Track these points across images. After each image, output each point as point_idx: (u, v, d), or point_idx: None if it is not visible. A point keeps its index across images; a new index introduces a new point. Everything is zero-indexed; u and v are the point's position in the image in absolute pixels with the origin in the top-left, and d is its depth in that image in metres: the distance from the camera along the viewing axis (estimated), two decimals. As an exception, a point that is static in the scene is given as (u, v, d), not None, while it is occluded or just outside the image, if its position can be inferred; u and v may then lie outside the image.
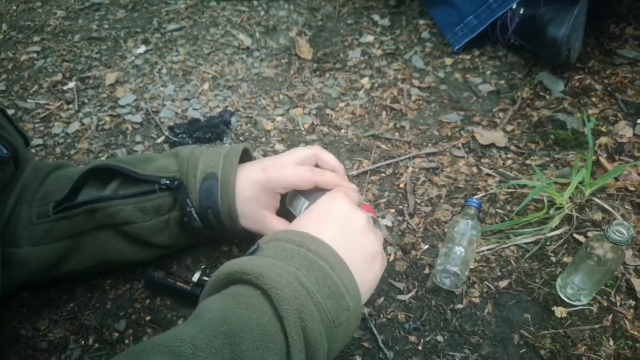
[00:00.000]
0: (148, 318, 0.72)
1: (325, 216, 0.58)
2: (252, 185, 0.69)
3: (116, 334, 0.70)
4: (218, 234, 0.73)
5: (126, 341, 0.70)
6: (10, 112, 1.09)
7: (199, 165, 0.69)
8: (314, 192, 0.70)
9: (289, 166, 0.69)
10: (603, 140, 0.95)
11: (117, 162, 0.70)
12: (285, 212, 0.76)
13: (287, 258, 0.50)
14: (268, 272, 0.47)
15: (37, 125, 1.06)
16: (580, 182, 0.83)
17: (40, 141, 1.01)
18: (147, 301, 0.74)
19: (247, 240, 0.75)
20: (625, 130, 0.96)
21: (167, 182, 0.68)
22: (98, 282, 0.76)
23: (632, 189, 0.86)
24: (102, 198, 0.68)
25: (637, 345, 0.67)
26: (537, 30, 1.06)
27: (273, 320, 0.45)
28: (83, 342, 0.70)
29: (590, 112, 1.01)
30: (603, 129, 0.97)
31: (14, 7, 1.49)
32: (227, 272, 0.49)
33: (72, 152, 0.99)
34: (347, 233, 0.56)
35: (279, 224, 0.72)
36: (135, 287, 0.76)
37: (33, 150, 1.00)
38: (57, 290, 0.75)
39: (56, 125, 1.05)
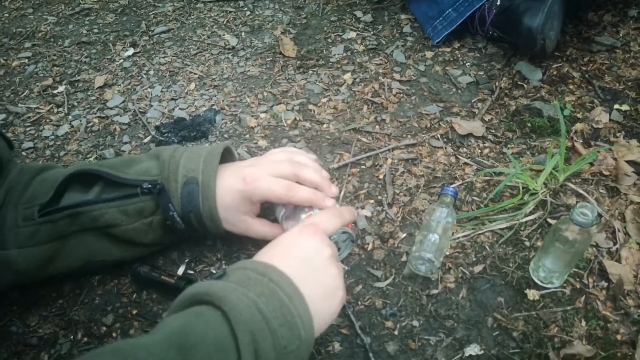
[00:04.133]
0: (135, 312, 0.74)
1: (291, 250, 0.61)
2: (232, 194, 0.72)
3: (104, 328, 0.73)
4: (201, 233, 0.76)
5: (114, 334, 0.72)
6: (1, 116, 1.12)
7: (180, 170, 0.71)
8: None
9: (267, 179, 0.71)
10: (579, 126, 0.96)
11: (99, 166, 0.72)
12: (268, 207, 0.79)
13: (249, 285, 0.53)
14: (229, 296, 0.50)
15: (27, 128, 1.09)
16: (554, 168, 0.85)
17: (31, 144, 1.04)
18: (134, 295, 0.77)
19: (230, 236, 0.77)
20: (601, 116, 0.98)
21: (150, 186, 0.70)
22: (86, 278, 0.79)
23: (606, 173, 0.87)
24: (84, 202, 0.70)
25: (608, 325, 0.69)
26: (513, 21, 1.07)
27: (229, 339, 0.48)
28: (72, 337, 0.72)
29: (567, 99, 1.03)
30: (579, 115, 0.99)
31: (6, 15, 1.52)
32: (192, 293, 0.53)
33: (62, 153, 1.02)
34: (310, 268, 0.59)
35: (261, 226, 0.75)
36: (123, 282, 0.78)
37: (24, 154, 1.02)
38: (46, 287, 0.77)
39: (46, 129, 1.08)
